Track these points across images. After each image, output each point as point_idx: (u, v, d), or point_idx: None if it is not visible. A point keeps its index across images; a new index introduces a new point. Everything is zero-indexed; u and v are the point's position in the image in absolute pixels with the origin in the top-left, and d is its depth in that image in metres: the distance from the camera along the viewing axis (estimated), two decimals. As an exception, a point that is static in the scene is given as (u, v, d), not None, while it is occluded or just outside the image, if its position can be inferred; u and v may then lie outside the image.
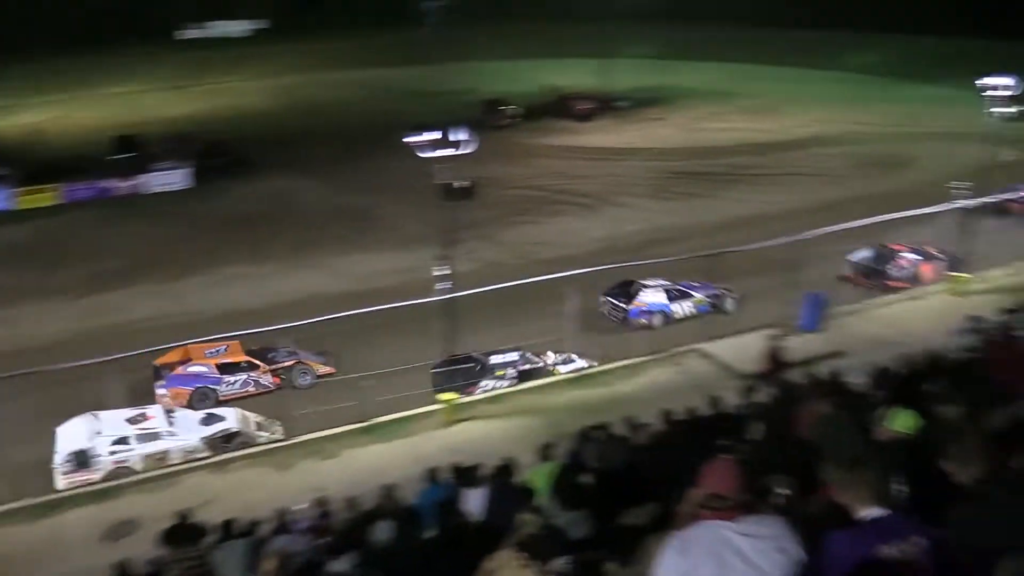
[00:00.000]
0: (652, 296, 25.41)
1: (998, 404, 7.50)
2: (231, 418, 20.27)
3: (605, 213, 35.81)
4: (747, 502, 4.05)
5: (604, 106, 56.81)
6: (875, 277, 26.69)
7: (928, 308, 23.76)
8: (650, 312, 25.28)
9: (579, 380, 21.37)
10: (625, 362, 21.99)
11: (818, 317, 22.69)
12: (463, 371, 21.41)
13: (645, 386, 20.54)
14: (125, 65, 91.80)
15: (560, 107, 55.91)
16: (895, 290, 25.96)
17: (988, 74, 26.87)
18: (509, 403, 20.40)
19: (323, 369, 23.00)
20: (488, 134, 49.19)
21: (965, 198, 26.53)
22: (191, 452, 19.42)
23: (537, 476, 8.81)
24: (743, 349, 20.60)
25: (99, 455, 18.68)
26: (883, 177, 40.24)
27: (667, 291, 25.57)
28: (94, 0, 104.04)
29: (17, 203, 39.58)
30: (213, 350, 22.66)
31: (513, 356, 22.04)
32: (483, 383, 21.40)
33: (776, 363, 17.45)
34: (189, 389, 21.87)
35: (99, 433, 19.00)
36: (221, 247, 33.32)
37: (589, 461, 9.48)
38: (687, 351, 22.32)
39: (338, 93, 70.98)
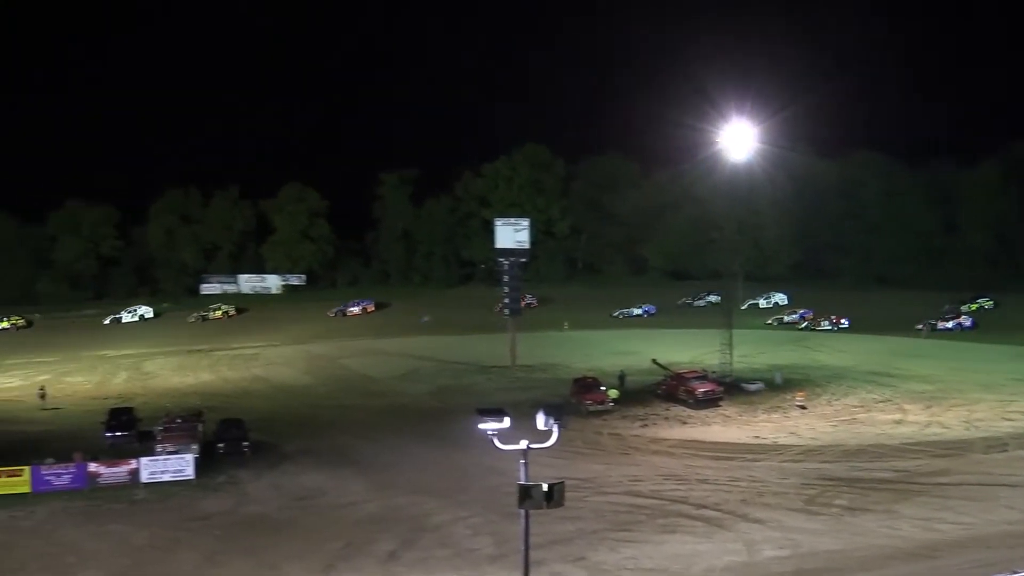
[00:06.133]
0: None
1: None
2: None
3: (734, 531, 34.18)
4: None
5: (729, 388, 57.04)
6: None
7: None
8: None
9: None
10: None
11: None
12: None
13: None
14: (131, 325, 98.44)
15: (672, 389, 56.38)
16: None
17: None
18: None
19: None
20: (578, 422, 49.84)
21: None
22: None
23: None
24: None
25: None
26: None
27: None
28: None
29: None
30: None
31: None
32: None
33: None
34: None
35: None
36: (223, 558, 32.75)
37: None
38: None
39: (380, 363, 73.48)
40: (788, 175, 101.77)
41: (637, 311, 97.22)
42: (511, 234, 72.54)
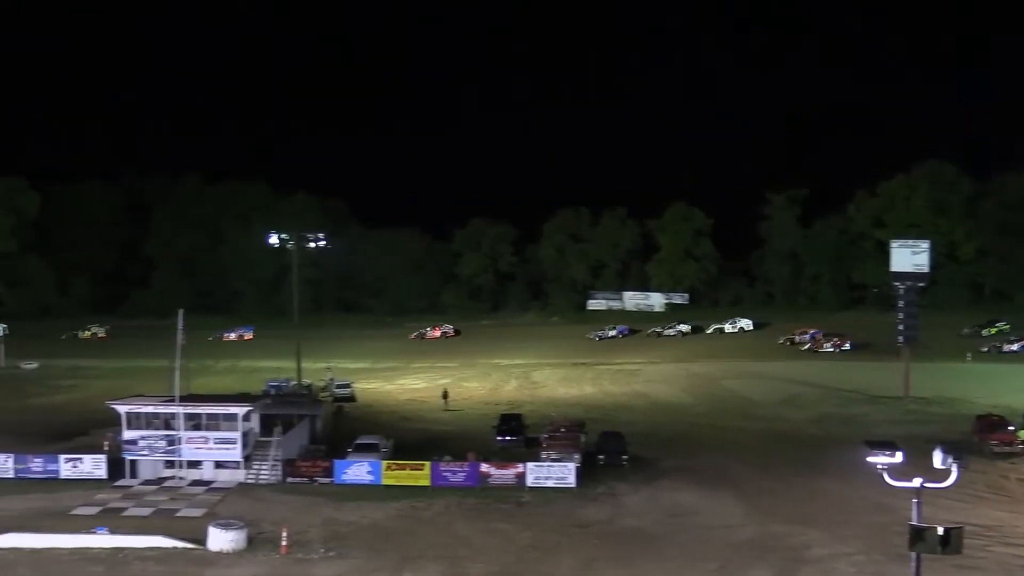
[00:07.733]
0: None
1: None
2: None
3: None
4: None
5: None
6: None
7: None
8: None
9: None
10: None
11: None
12: None
13: None
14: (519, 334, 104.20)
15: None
16: None
17: None
18: None
19: None
20: (980, 463, 45.66)
21: None
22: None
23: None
24: None
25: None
26: None
27: None
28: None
29: (383, 478, 44.57)
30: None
31: None
32: None
33: None
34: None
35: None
36: (600, 565, 33.73)
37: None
38: None
39: (761, 386, 71.98)
40: None
41: (612, 332, 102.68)
42: (908, 257, 68.14)
